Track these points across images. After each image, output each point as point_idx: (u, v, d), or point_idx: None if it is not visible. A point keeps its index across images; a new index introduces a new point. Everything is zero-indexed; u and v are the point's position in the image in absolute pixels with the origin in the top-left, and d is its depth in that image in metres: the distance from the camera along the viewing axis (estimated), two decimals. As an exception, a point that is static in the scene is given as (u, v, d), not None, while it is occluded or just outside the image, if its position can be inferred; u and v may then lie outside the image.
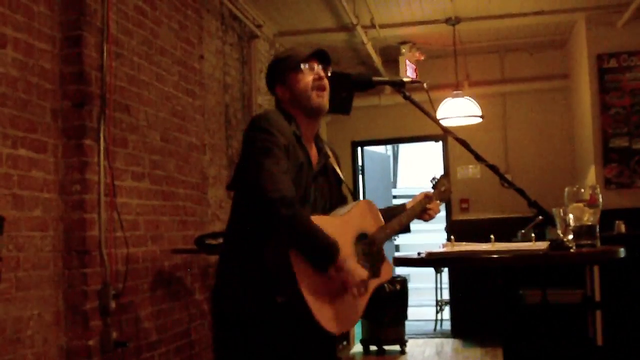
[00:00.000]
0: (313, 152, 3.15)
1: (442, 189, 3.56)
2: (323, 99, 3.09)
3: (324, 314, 2.77)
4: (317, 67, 3.11)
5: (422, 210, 3.45)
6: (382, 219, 3.26)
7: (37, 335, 3.81)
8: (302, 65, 3.08)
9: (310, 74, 3.08)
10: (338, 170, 3.29)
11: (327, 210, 3.10)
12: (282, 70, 3.11)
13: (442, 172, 3.72)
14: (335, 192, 3.24)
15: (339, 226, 2.93)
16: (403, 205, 3.47)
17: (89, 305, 4.11)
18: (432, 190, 3.53)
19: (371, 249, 3.11)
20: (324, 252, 2.77)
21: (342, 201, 3.26)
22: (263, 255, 2.79)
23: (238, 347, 2.98)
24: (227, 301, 2.99)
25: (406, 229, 3.47)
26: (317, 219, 2.83)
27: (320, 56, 3.14)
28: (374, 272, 3.11)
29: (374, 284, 3.09)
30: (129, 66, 4.71)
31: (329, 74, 3.16)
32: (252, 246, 2.88)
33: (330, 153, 3.28)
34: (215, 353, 3.37)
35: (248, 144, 2.95)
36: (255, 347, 2.93)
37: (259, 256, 2.82)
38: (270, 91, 3.20)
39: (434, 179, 3.59)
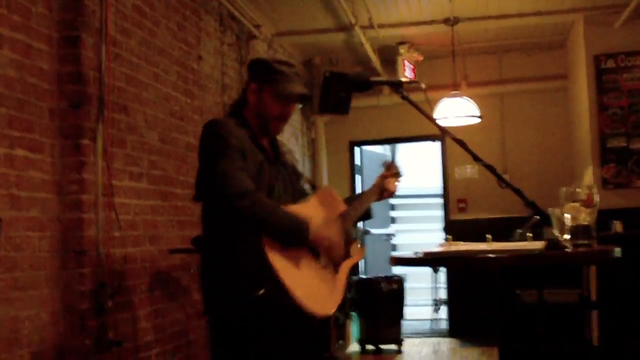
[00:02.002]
0: (269, 150, 3.23)
1: (395, 171, 3.73)
2: (278, 130, 3.23)
3: (305, 298, 2.80)
4: (292, 107, 3.21)
5: (381, 191, 3.62)
6: (344, 204, 3.36)
7: (34, 335, 3.81)
8: (283, 96, 3.14)
9: (284, 107, 3.17)
10: (296, 163, 3.38)
11: (292, 203, 3.16)
12: (265, 79, 3.16)
13: (391, 158, 3.85)
14: (297, 186, 3.33)
15: (305, 212, 2.99)
16: (362, 192, 3.66)
17: (86, 305, 4.11)
18: (386, 172, 3.71)
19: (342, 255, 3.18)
20: (296, 224, 2.85)
21: (303, 195, 3.34)
22: (237, 253, 2.85)
23: (230, 346, 3.01)
24: (212, 304, 3.05)
25: (368, 214, 3.60)
26: (286, 209, 2.92)
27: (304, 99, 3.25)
28: (346, 252, 3.21)
29: (347, 264, 3.17)
30: (127, 66, 4.72)
31: (299, 106, 3.30)
32: (224, 247, 2.95)
33: (285, 150, 3.37)
34: (212, 353, 3.39)
35: (201, 149, 3.07)
36: (245, 344, 2.96)
37: (233, 255, 2.89)
38: (247, 78, 3.26)
39: (385, 162, 3.77)
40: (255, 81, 3.18)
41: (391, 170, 3.71)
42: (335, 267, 3.11)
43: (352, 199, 3.48)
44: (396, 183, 3.69)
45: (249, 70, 3.27)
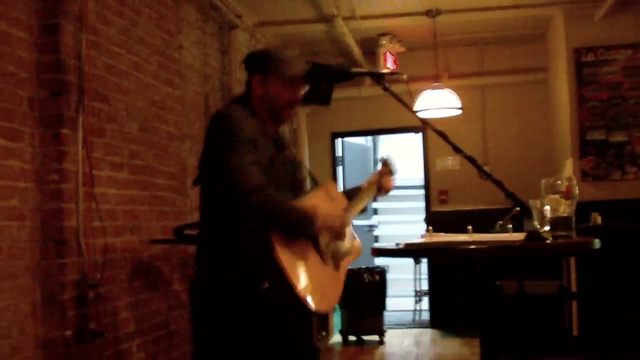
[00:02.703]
0: (275, 143, 3.23)
1: (390, 168, 3.74)
2: (290, 116, 3.25)
3: (308, 293, 2.84)
4: (300, 90, 3.18)
5: (377, 188, 3.62)
6: (344, 199, 3.37)
7: (14, 326, 3.79)
8: (290, 81, 3.13)
9: (292, 93, 3.16)
10: (297, 156, 3.39)
11: (293, 196, 3.18)
12: (269, 67, 3.15)
13: (387, 155, 3.83)
14: (297, 177, 3.35)
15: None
16: (359, 187, 3.62)
17: (66, 295, 4.10)
18: (383, 169, 3.72)
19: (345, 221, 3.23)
20: (303, 215, 2.88)
21: (303, 186, 3.38)
22: (243, 244, 2.86)
23: (219, 337, 3.01)
24: (210, 292, 3.03)
25: (365, 210, 3.63)
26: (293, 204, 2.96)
27: (308, 75, 3.22)
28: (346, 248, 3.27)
29: (347, 262, 3.19)
30: (108, 55, 4.69)
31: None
32: (229, 237, 2.94)
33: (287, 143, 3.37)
34: (195, 343, 3.40)
35: (210, 141, 3.04)
36: (237, 335, 2.96)
37: (238, 246, 2.89)
38: (247, 72, 3.23)
39: (382, 159, 3.77)
40: (258, 72, 3.16)
41: (387, 167, 3.72)
42: (336, 262, 3.14)
43: (350, 195, 3.48)
44: (392, 182, 3.70)
45: (248, 63, 3.24)
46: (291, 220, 2.86)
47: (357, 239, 3.40)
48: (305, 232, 2.91)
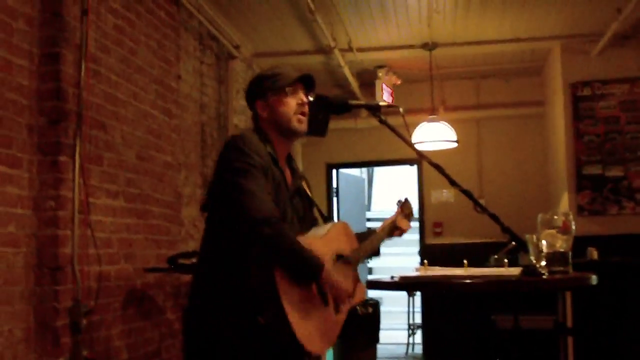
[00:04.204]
0: (287, 173, 3.18)
1: (407, 211, 3.71)
2: (303, 124, 3.15)
3: (305, 334, 2.78)
4: (301, 92, 3.14)
5: (392, 229, 3.57)
6: (357, 241, 3.32)
7: (7, 352, 3.77)
8: (287, 88, 3.11)
9: (294, 98, 3.11)
10: (309, 193, 3.32)
11: (301, 231, 3.10)
12: (265, 88, 3.13)
13: (407, 196, 3.81)
14: (308, 214, 3.28)
15: (319, 246, 2.96)
16: (374, 229, 3.58)
17: (60, 322, 4.08)
18: (399, 210, 3.68)
19: (349, 297, 3.14)
20: (310, 265, 2.81)
21: (313, 223, 3.30)
22: (245, 275, 2.79)
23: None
24: (204, 321, 2.98)
25: (376, 252, 3.56)
26: (301, 239, 2.87)
27: (306, 80, 3.18)
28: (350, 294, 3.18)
29: (349, 304, 3.13)
30: (106, 84, 4.71)
31: (311, 99, 3.19)
32: (231, 266, 2.88)
33: (300, 174, 3.32)
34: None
35: (225, 164, 2.96)
36: None
37: (239, 276, 2.82)
38: (249, 105, 3.21)
39: (399, 201, 3.73)
40: (258, 98, 3.15)
41: (404, 210, 3.69)
42: (337, 306, 3.07)
43: (364, 237, 3.43)
44: (408, 224, 3.67)
45: (247, 95, 3.21)
46: (299, 263, 2.80)
47: (362, 282, 3.32)
48: (309, 278, 2.85)
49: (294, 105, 3.11)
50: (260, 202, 2.78)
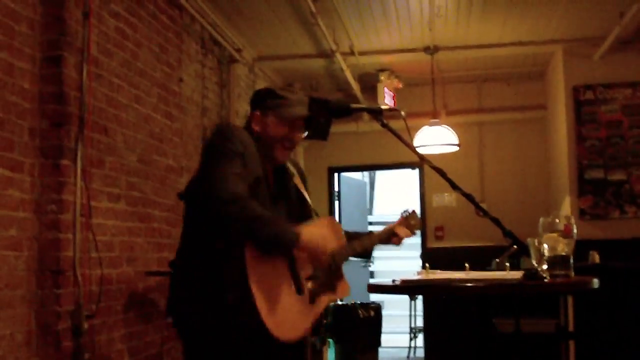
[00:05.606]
0: (270, 173, 3.17)
1: (412, 222, 3.69)
2: (285, 157, 3.18)
3: (272, 318, 2.73)
4: (299, 129, 3.16)
5: (389, 235, 3.57)
6: (344, 238, 3.32)
7: (9, 355, 3.76)
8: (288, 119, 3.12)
9: (289, 129, 3.13)
10: (303, 191, 3.32)
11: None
12: (268, 105, 3.14)
13: (414, 208, 3.79)
14: (296, 213, 3.25)
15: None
16: (370, 232, 3.60)
17: (62, 325, 4.08)
18: (402, 219, 3.67)
19: (330, 263, 3.12)
20: (284, 233, 2.78)
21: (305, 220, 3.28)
22: (216, 258, 2.77)
23: (199, 352, 2.96)
24: (181, 307, 2.96)
25: (367, 254, 3.56)
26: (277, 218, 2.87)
27: (308, 119, 3.20)
28: (330, 286, 3.18)
29: (328, 298, 3.13)
30: (108, 87, 4.71)
31: (303, 136, 3.24)
32: (203, 250, 2.87)
33: (294, 171, 3.31)
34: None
35: (205, 150, 3.00)
36: (213, 350, 2.90)
37: (210, 259, 2.81)
38: (250, 108, 3.22)
39: (405, 211, 3.72)
40: (258, 109, 3.16)
41: (409, 220, 3.68)
42: (312, 297, 3.03)
43: (355, 236, 3.43)
44: (408, 232, 3.65)
45: (252, 100, 3.22)
46: (271, 233, 2.73)
47: (347, 281, 3.31)
48: (284, 248, 2.80)
49: (284, 135, 3.12)
50: (231, 183, 2.76)
